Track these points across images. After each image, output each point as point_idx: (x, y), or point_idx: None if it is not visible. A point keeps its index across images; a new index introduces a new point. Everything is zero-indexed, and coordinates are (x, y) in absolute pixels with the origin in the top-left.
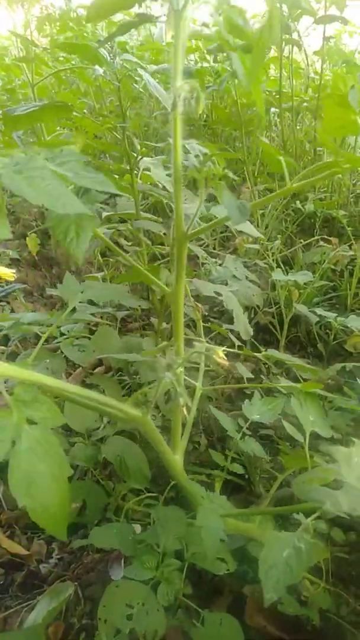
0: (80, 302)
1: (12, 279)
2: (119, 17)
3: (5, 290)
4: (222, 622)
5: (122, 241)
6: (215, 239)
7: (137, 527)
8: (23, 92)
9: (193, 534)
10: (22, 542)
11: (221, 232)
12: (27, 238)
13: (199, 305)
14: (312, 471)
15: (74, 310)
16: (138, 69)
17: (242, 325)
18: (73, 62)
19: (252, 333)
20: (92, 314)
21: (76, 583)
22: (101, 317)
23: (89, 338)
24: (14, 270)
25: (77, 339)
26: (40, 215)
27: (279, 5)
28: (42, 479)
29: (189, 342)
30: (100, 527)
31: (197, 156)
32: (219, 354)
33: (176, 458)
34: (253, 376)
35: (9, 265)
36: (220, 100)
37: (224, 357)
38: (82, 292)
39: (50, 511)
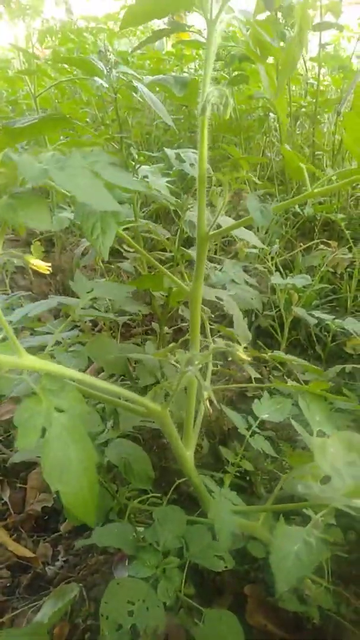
0: (82, 308)
1: (48, 273)
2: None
3: (9, 298)
4: (221, 619)
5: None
6: (216, 244)
7: (141, 530)
8: (26, 103)
9: (193, 533)
10: (29, 545)
11: (223, 237)
12: (31, 245)
13: (205, 307)
14: (304, 467)
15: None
16: (134, 81)
17: (242, 330)
18: (75, 73)
19: (250, 338)
20: (94, 319)
21: (81, 584)
22: (104, 324)
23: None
24: (49, 264)
25: (72, 345)
26: None
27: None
28: (73, 465)
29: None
30: (103, 527)
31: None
32: (241, 350)
33: (188, 454)
34: (255, 378)
35: (14, 273)
36: None
37: (245, 355)
38: (89, 291)
39: (81, 497)
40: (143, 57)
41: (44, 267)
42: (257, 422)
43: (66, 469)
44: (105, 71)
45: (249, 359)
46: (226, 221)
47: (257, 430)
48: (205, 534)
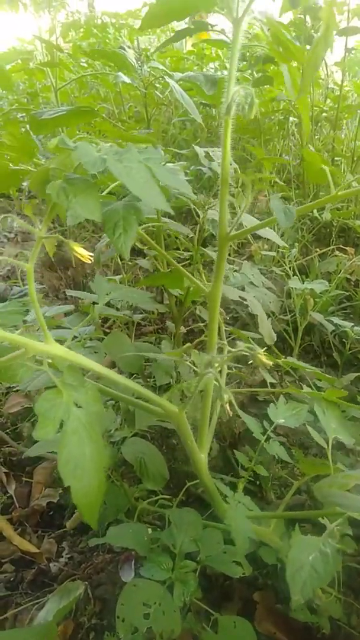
0: (95, 303)
1: (89, 262)
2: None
3: (22, 291)
4: (235, 626)
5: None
6: (230, 246)
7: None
8: (44, 96)
9: (207, 537)
10: (33, 540)
11: (237, 239)
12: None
13: (220, 309)
14: (333, 476)
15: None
16: (165, 76)
17: (267, 330)
18: (97, 68)
19: (275, 338)
20: (108, 317)
21: (86, 583)
22: (114, 321)
23: (101, 340)
24: (91, 254)
25: (90, 339)
26: (57, 217)
27: (301, 16)
28: (87, 462)
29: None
30: (117, 526)
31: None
32: (262, 354)
33: (202, 457)
34: (269, 382)
35: None
36: None
37: (266, 358)
38: (109, 294)
39: (91, 496)
40: (163, 55)
41: (86, 256)
42: (273, 427)
43: (80, 465)
44: (136, 66)
45: (271, 363)
46: (248, 221)
47: (272, 435)
48: (220, 538)
